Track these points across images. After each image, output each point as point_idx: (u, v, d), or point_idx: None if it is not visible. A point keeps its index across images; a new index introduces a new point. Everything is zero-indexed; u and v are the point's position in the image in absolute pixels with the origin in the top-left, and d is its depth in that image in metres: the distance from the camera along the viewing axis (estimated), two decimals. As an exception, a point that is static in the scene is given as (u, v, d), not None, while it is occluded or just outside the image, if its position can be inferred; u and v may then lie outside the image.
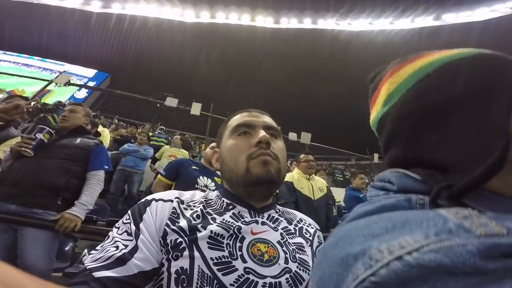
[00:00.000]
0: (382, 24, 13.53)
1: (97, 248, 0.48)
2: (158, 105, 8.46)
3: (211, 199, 0.59)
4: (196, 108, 7.23)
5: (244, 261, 0.47)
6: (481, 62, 0.29)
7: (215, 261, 0.46)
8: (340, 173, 9.20)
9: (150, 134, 6.15)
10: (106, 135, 4.53)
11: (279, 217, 0.60)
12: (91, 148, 1.73)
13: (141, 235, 0.48)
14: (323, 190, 2.71)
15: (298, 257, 0.53)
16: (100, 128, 4.38)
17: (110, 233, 0.51)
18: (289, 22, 13.97)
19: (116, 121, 9.06)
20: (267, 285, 0.46)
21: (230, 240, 0.50)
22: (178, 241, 0.48)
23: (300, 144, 8.10)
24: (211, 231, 0.49)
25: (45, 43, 14.76)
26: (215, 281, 0.44)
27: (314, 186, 2.66)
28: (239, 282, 0.45)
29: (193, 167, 1.90)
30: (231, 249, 0.48)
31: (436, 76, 0.30)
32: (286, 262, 0.50)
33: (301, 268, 0.52)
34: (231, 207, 0.57)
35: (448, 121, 0.27)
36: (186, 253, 0.47)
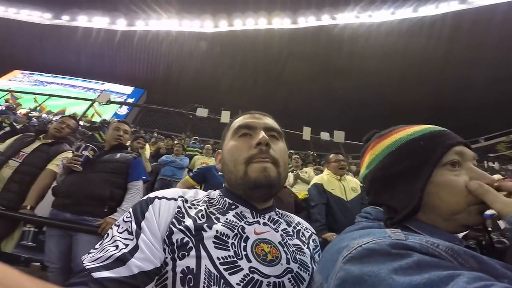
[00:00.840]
0: (404, 13, 12.76)
1: (96, 246, 0.47)
2: (191, 116, 8.89)
3: (214, 198, 0.60)
4: (225, 116, 7.42)
5: (249, 260, 0.48)
6: (424, 143, 0.48)
7: (222, 260, 0.46)
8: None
9: (186, 145, 6.44)
10: (146, 149, 4.85)
11: (279, 219, 0.61)
12: (129, 161, 1.93)
13: (142, 234, 0.47)
14: (356, 190, 2.59)
15: (299, 258, 0.54)
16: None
17: (109, 231, 0.50)
18: (306, 21, 13.72)
19: (156, 134, 9.61)
20: (271, 285, 0.47)
21: (235, 240, 0.50)
22: (184, 240, 0.48)
23: (333, 143, 7.83)
24: (217, 231, 0.50)
25: (83, 64, 15.86)
26: (222, 281, 0.44)
27: (347, 186, 2.56)
28: (245, 281, 0.45)
29: (219, 173, 1.98)
30: (236, 249, 0.49)
31: (396, 154, 0.51)
32: (288, 262, 0.51)
33: (302, 268, 0.52)
34: (233, 206, 0.58)
35: (396, 186, 0.50)
36: (193, 252, 0.46)
